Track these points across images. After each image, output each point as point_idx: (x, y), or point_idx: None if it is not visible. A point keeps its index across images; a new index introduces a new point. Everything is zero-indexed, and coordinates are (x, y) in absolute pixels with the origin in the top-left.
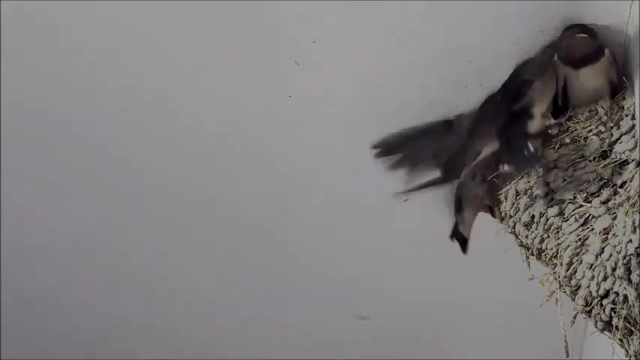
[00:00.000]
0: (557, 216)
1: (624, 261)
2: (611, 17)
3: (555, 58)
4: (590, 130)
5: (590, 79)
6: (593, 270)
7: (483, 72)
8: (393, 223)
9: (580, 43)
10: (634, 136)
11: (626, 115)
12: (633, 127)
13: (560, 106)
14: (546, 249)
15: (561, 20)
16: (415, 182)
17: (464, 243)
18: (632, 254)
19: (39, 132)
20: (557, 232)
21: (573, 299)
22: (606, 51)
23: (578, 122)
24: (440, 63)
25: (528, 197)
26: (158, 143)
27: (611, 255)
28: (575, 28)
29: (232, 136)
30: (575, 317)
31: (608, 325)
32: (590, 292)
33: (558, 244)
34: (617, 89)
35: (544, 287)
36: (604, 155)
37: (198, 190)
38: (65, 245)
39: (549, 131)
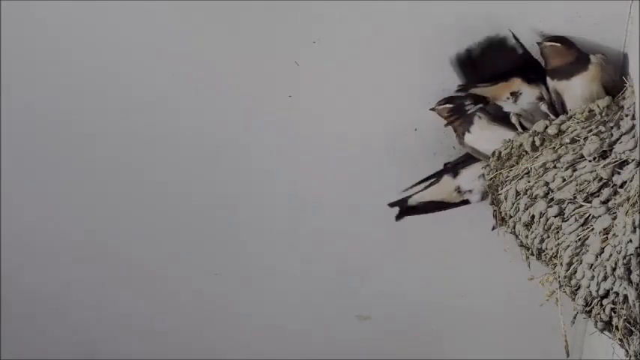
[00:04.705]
0: (557, 216)
1: (624, 261)
2: (611, 18)
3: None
4: (590, 130)
5: (582, 88)
6: (593, 270)
7: None
8: (393, 224)
9: (552, 52)
10: (634, 136)
11: (626, 115)
12: (633, 127)
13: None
14: (546, 249)
15: (562, 21)
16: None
17: None
18: (632, 254)
19: (39, 132)
20: (557, 232)
21: (573, 299)
22: (592, 57)
23: (578, 122)
24: (440, 63)
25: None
26: (158, 143)
27: (611, 255)
28: (546, 39)
29: (232, 136)
30: (575, 317)
31: (608, 325)
32: (590, 292)
33: (558, 244)
34: (618, 89)
35: (544, 287)
36: (604, 155)
37: (198, 190)
38: (65, 245)
39: (549, 131)
